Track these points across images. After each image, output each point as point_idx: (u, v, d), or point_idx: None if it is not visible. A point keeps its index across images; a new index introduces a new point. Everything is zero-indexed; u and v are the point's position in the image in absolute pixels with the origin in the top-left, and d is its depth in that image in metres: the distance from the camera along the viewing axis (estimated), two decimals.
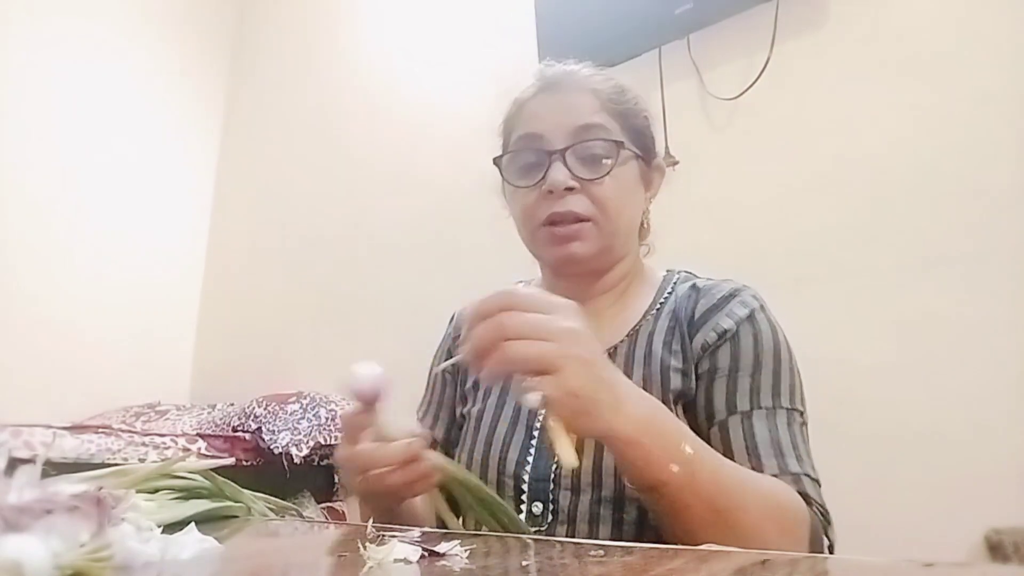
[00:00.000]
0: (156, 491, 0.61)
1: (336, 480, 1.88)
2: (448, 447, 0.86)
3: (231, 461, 1.56)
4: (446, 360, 0.88)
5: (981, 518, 1.11)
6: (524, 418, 0.77)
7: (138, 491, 0.51)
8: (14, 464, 0.37)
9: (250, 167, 2.64)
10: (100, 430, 1.60)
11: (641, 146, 0.79)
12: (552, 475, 0.72)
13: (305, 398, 1.85)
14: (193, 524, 0.45)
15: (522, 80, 0.82)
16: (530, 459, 0.74)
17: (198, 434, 1.75)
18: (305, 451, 1.72)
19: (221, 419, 1.87)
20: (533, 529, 0.70)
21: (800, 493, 0.62)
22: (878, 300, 1.29)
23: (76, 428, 1.59)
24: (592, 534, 0.68)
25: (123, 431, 1.64)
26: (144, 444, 1.62)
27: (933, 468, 1.19)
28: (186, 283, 2.57)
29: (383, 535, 0.47)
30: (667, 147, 1.48)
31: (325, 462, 1.82)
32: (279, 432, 1.73)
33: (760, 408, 0.69)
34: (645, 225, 0.85)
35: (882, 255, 1.30)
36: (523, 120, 0.79)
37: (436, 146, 2.06)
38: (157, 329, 2.45)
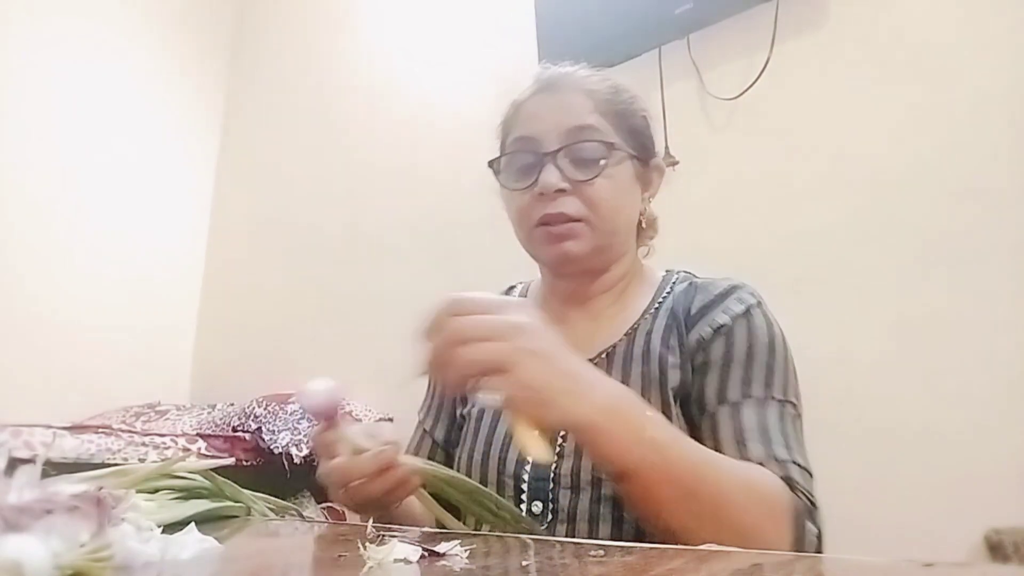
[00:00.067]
0: (156, 491, 0.61)
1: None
2: (449, 448, 0.87)
3: (231, 461, 1.55)
4: None
5: (981, 518, 1.11)
6: None
7: (138, 491, 0.51)
8: (14, 464, 0.37)
9: (250, 167, 2.64)
10: (100, 430, 1.60)
11: (637, 146, 0.79)
12: (552, 474, 0.72)
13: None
14: (193, 524, 0.45)
15: (522, 80, 0.83)
16: (529, 459, 0.74)
17: (198, 434, 1.75)
18: (305, 451, 1.72)
19: (221, 419, 1.87)
20: (525, 514, 0.70)
21: (785, 479, 0.61)
22: (878, 300, 1.29)
23: (76, 428, 1.59)
24: (592, 533, 0.69)
25: (123, 431, 1.64)
26: (144, 444, 1.62)
27: (933, 468, 1.19)
28: (186, 283, 2.57)
29: (383, 535, 0.47)
30: (667, 147, 1.48)
31: None
32: (279, 432, 1.73)
33: (750, 398, 0.68)
34: (644, 225, 0.85)
35: (882, 255, 1.30)
36: (519, 122, 0.80)
37: (436, 146, 2.06)
38: (157, 329, 2.45)
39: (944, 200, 1.26)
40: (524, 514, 0.70)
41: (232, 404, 1.96)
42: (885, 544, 1.19)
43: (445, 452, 0.87)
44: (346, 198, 2.28)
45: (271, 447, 1.71)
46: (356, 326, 2.13)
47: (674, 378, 0.73)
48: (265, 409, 1.80)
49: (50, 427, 1.53)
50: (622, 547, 0.44)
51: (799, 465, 0.64)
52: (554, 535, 0.69)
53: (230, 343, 2.48)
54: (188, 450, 1.64)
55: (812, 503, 0.63)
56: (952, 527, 1.14)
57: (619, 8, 1.61)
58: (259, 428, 1.75)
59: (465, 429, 0.84)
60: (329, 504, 1.86)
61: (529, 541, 0.51)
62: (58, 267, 2.20)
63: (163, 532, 0.42)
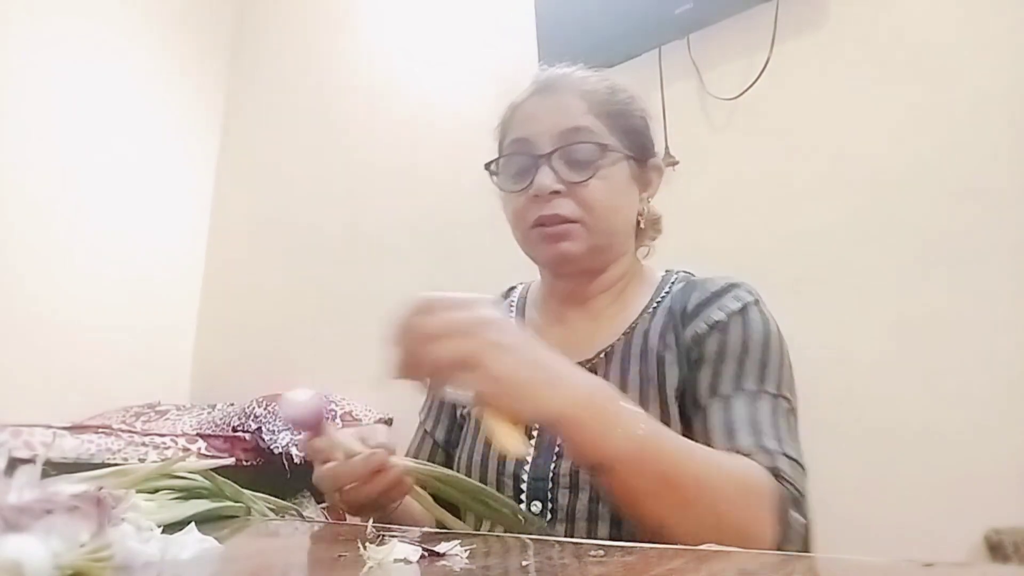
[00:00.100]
0: (156, 491, 0.61)
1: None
2: (449, 448, 0.87)
3: (231, 461, 1.55)
4: None
5: (981, 518, 1.11)
6: None
7: (138, 491, 0.51)
8: (14, 464, 0.37)
9: (250, 167, 2.64)
10: (100, 430, 1.60)
11: (634, 146, 0.79)
12: (551, 474, 0.72)
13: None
14: (193, 524, 0.45)
15: (522, 80, 0.83)
16: (528, 458, 0.74)
17: (198, 434, 1.74)
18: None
19: (221, 419, 1.87)
20: (524, 510, 0.70)
21: (772, 469, 0.60)
22: (878, 300, 1.29)
23: (76, 428, 1.59)
24: (591, 532, 0.69)
25: (123, 431, 1.64)
26: (144, 444, 1.62)
27: (933, 467, 1.19)
28: (186, 283, 2.57)
29: (383, 535, 0.47)
30: (667, 147, 1.48)
31: None
32: (279, 432, 1.73)
33: (743, 391, 0.68)
34: (643, 225, 0.85)
35: (882, 255, 1.30)
36: (515, 124, 0.81)
37: (436, 146, 2.06)
38: (157, 329, 2.45)
39: (944, 200, 1.26)
40: None
41: (232, 404, 1.96)
42: (885, 544, 1.19)
43: (446, 453, 0.87)
44: (346, 198, 2.28)
45: (271, 447, 1.71)
46: (356, 326, 2.12)
47: (672, 376, 0.73)
48: (265, 409, 1.80)
49: (50, 427, 1.53)
50: (622, 547, 0.44)
51: (789, 457, 0.63)
52: (553, 534, 0.69)
53: (230, 343, 2.48)
54: (188, 450, 1.64)
55: (800, 493, 0.61)
56: (952, 527, 1.14)
57: (619, 8, 1.61)
58: (259, 428, 1.75)
59: (465, 429, 0.84)
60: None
61: (529, 541, 0.51)
62: (58, 267, 2.20)
63: (163, 532, 0.42)
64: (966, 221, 1.23)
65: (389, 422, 1.86)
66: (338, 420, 1.82)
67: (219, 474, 0.68)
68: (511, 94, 0.83)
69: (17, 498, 0.35)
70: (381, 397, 1.84)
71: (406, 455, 0.87)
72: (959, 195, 1.25)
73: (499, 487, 0.74)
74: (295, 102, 2.53)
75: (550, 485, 0.72)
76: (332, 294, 2.22)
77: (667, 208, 0.88)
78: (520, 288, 0.93)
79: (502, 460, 0.76)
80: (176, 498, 0.62)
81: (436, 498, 0.70)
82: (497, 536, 0.60)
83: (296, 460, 1.71)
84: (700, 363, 0.72)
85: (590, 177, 0.75)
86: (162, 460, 1.08)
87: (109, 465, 0.65)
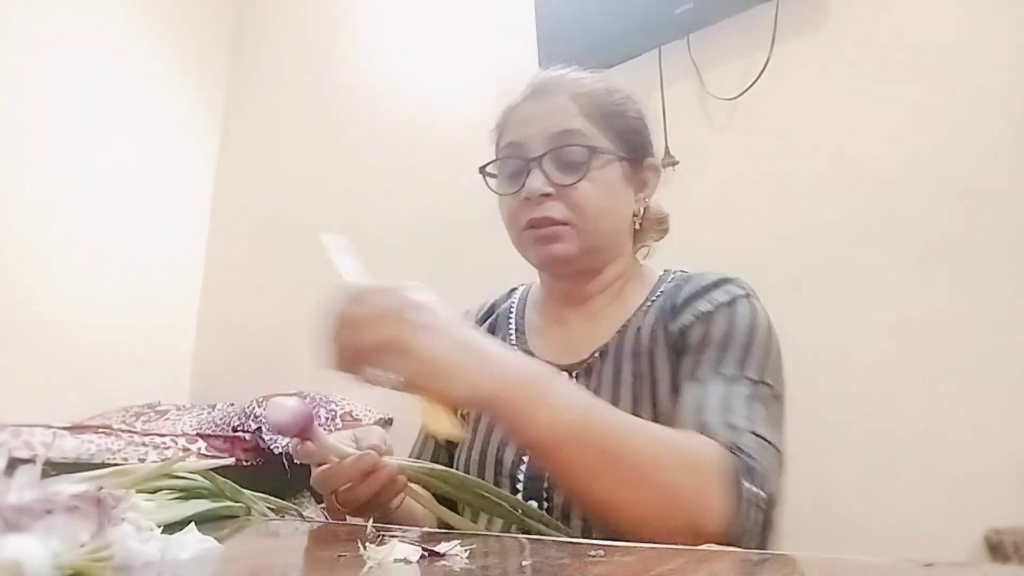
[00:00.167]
0: (156, 491, 0.61)
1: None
2: (451, 448, 0.87)
3: (231, 461, 1.55)
4: None
5: (981, 518, 1.11)
6: None
7: (138, 491, 0.51)
8: (14, 464, 0.37)
9: (250, 167, 2.64)
10: (100, 430, 1.60)
11: (628, 147, 0.79)
12: (547, 472, 0.72)
13: (305, 398, 1.85)
14: (193, 524, 0.45)
15: (522, 80, 0.83)
16: (525, 458, 0.74)
17: (198, 434, 1.74)
18: None
19: (221, 419, 1.87)
20: (521, 501, 0.70)
21: (731, 444, 0.59)
22: (878, 300, 1.29)
23: (76, 428, 1.59)
24: (587, 531, 0.69)
25: (123, 431, 1.64)
26: (144, 444, 1.62)
27: (933, 467, 1.19)
28: (186, 283, 2.57)
29: (383, 535, 0.47)
30: (667, 147, 1.48)
31: None
32: (279, 434, 1.73)
33: (721, 375, 0.67)
34: (641, 225, 0.85)
35: (882, 255, 1.30)
36: (509, 127, 0.81)
37: (436, 146, 2.06)
38: (157, 329, 2.44)
39: (944, 200, 1.26)
40: (520, 513, 0.70)
41: (232, 404, 1.96)
42: (885, 544, 1.19)
43: (448, 453, 0.87)
44: (346, 198, 2.27)
45: (271, 447, 1.71)
46: None
47: (663, 372, 0.72)
48: (265, 409, 1.80)
49: (50, 427, 1.53)
50: (622, 547, 0.44)
51: (759, 436, 0.61)
52: (551, 527, 0.69)
53: (230, 343, 2.48)
54: (188, 450, 1.64)
55: (759, 466, 0.59)
56: (952, 527, 1.14)
57: (619, 8, 1.61)
58: (259, 428, 1.75)
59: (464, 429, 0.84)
60: None
61: (528, 541, 0.51)
62: (58, 267, 2.20)
63: (163, 532, 0.42)
64: (966, 221, 1.23)
65: (389, 422, 1.86)
66: (338, 420, 1.82)
67: (219, 474, 0.68)
68: (511, 94, 0.83)
69: (17, 498, 0.35)
70: (381, 397, 1.84)
71: (409, 456, 0.87)
72: (959, 195, 1.25)
73: (496, 486, 0.75)
74: (295, 102, 2.52)
75: (546, 484, 0.72)
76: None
77: (667, 208, 0.88)
78: (521, 289, 0.94)
79: (499, 460, 0.76)
80: (176, 498, 0.62)
81: (437, 498, 0.70)
82: (497, 536, 0.61)
83: (296, 460, 1.71)
84: (684, 353, 0.71)
85: (580, 179, 0.75)
86: (162, 460, 1.08)
87: (109, 465, 0.65)
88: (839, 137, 1.39)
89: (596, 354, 0.77)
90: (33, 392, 2.03)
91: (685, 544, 0.49)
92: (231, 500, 0.68)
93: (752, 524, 0.56)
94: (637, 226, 0.84)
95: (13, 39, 2.17)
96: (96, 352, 2.23)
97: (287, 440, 1.71)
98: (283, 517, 0.74)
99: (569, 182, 0.75)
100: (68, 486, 0.38)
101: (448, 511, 0.71)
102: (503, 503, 0.68)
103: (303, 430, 0.63)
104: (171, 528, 0.44)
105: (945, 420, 1.20)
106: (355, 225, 2.21)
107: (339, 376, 0.53)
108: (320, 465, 0.65)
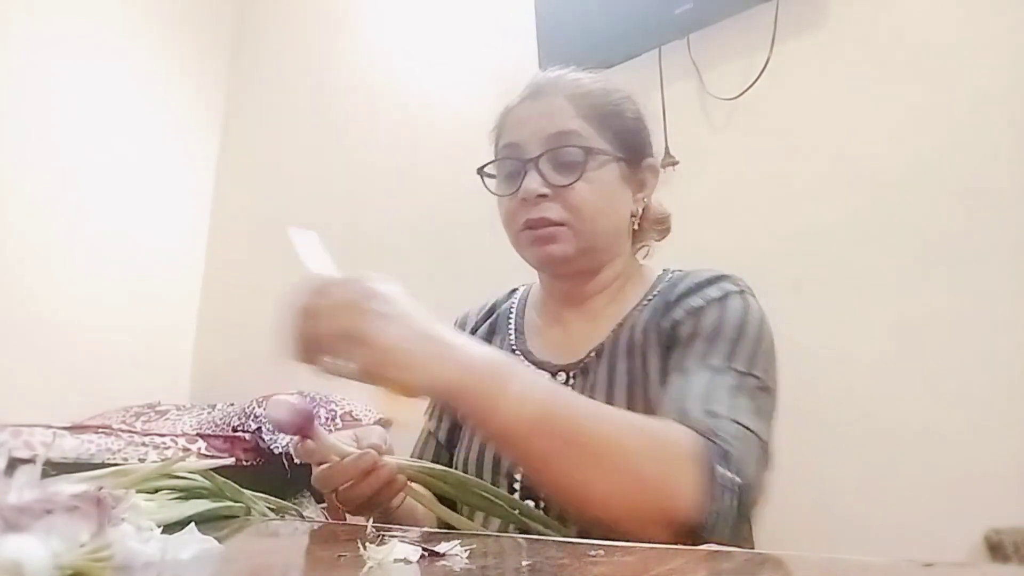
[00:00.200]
0: (156, 491, 0.61)
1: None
2: (451, 448, 0.87)
3: (231, 461, 1.55)
4: None
5: (981, 518, 1.11)
6: None
7: (138, 491, 0.51)
8: (14, 464, 0.37)
9: (250, 167, 2.64)
10: (100, 430, 1.60)
11: (626, 148, 0.80)
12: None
13: (306, 397, 1.85)
14: (193, 524, 0.45)
15: (522, 80, 0.84)
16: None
17: (198, 434, 1.74)
18: None
19: (221, 419, 1.87)
20: (518, 500, 0.71)
21: (707, 431, 0.58)
22: (878, 300, 1.29)
23: (76, 428, 1.59)
24: (584, 531, 0.69)
25: (123, 431, 1.64)
26: (144, 444, 1.62)
27: (933, 467, 1.19)
28: (186, 283, 2.57)
29: (383, 535, 0.47)
30: (667, 147, 1.48)
31: None
32: (279, 432, 1.73)
33: (707, 367, 0.66)
34: (640, 225, 0.85)
35: (882, 255, 1.30)
36: (506, 129, 0.82)
37: (436, 146, 2.06)
38: (157, 329, 2.44)
39: (944, 200, 1.26)
40: (517, 512, 0.71)
41: (232, 404, 1.96)
42: (885, 544, 1.19)
43: (449, 453, 0.87)
44: (346, 198, 2.27)
45: (271, 447, 1.71)
46: None
47: (654, 370, 0.72)
48: (266, 407, 1.80)
49: (50, 427, 1.53)
50: (622, 547, 0.44)
51: (740, 424, 0.60)
52: (549, 526, 0.69)
53: (230, 343, 2.48)
54: (188, 450, 1.64)
55: (734, 451, 0.58)
56: (952, 527, 1.14)
57: (619, 8, 1.61)
58: (259, 428, 1.75)
59: (464, 429, 0.84)
60: None
61: (528, 541, 0.51)
62: (58, 267, 2.20)
63: (163, 532, 0.42)
64: (966, 221, 1.23)
65: (389, 422, 1.86)
66: (338, 420, 1.82)
67: (219, 474, 0.68)
68: (511, 94, 0.84)
69: (17, 498, 0.35)
70: (381, 397, 1.84)
71: (411, 456, 0.87)
72: (959, 195, 1.25)
73: (494, 485, 0.75)
74: (295, 102, 2.52)
75: None
76: None
77: (668, 208, 0.88)
78: (522, 290, 0.94)
79: (496, 460, 0.77)
80: (176, 498, 0.62)
81: (438, 497, 0.70)
82: (497, 536, 0.61)
83: (296, 460, 1.71)
84: (673, 346, 0.71)
85: (576, 180, 0.75)
86: (162, 460, 1.08)
87: (109, 465, 0.65)
88: (839, 137, 1.39)
89: (592, 354, 0.77)
90: (33, 392, 2.03)
91: (659, 531, 0.49)
92: (231, 500, 0.68)
93: (726, 509, 0.55)
94: (636, 226, 0.84)
95: (13, 39, 2.17)
96: (96, 352, 2.23)
97: (287, 440, 1.71)
98: (283, 517, 0.74)
99: (565, 183, 0.75)
100: (68, 486, 0.38)
101: (448, 511, 0.71)
102: (501, 503, 0.68)
103: (304, 428, 0.63)
104: (171, 528, 0.44)
105: (945, 420, 1.20)
106: (355, 225, 2.22)
107: (299, 366, 0.53)
108: (321, 464, 0.65)
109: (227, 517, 0.66)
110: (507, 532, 0.69)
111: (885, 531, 1.19)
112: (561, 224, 0.76)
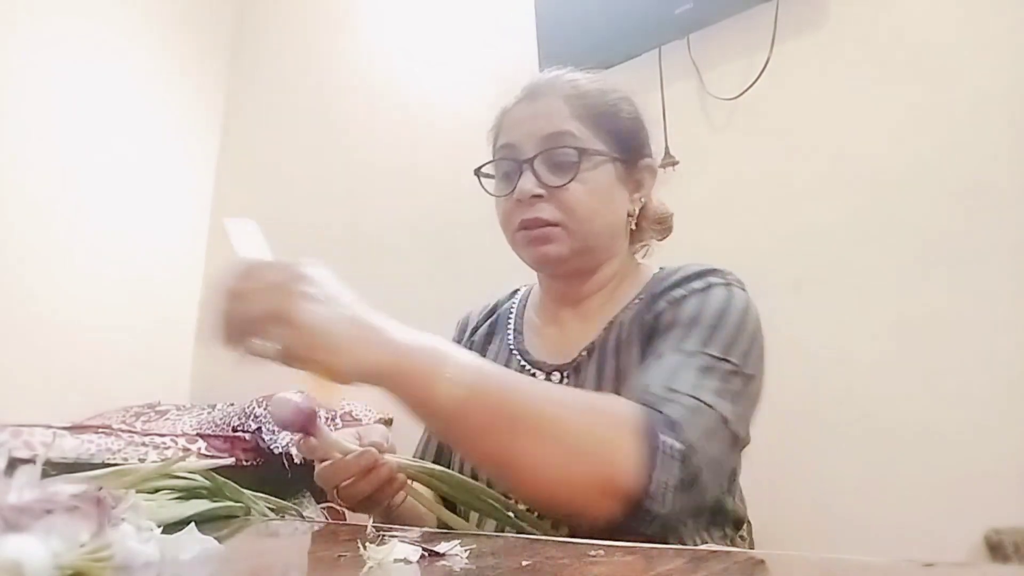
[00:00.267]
0: (156, 491, 0.61)
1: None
2: (452, 449, 0.87)
3: (231, 461, 1.55)
4: None
5: (981, 518, 1.11)
6: None
7: (138, 491, 0.52)
8: (14, 464, 0.37)
9: (250, 167, 2.64)
10: (100, 430, 1.60)
11: (622, 148, 0.80)
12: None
13: (308, 396, 1.84)
14: (193, 524, 0.45)
15: (522, 80, 0.84)
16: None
17: (198, 434, 1.74)
18: None
19: (221, 419, 1.87)
20: (513, 504, 0.71)
21: (654, 401, 0.58)
22: (878, 300, 1.29)
23: (76, 428, 1.59)
24: (573, 533, 0.69)
25: (123, 431, 1.64)
26: (144, 444, 1.62)
27: (933, 467, 1.19)
28: (186, 283, 2.57)
29: (383, 535, 0.47)
30: (667, 147, 1.48)
31: None
32: (279, 432, 1.73)
33: (680, 351, 0.65)
34: (638, 225, 0.85)
35: (882, 255, 1.30)
36: (503, 130, 0.82)
37: (436, 146, 2.06)
38: (157, 329, 2.44)
39: (944, 200, 1.26)
40: (515, 513, 0.71)
41: (232, 404, 1.96)
42: (885, 544, 1.19)
43: (449, 453, 0.87)
44: (346, 198, 2.27)
45: (271, 447, 1.71)
46: None
47: (637, 362, 0.72)
48: (265, 409, 1.80)
49: (50, 427, 1.53)
50: (622, 547, 0.44)
51: (698, 399, 0.59)
52: (541, 529, 0.69)
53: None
54: (188, 450, 1.64)
55: (681, 422, 0.57)
56: (952, 527, 1.14)
57: (619, 8, 1.61)
58: (259, 428, 1.75)
59: None
60: (329, 504, 1.85)
61: (527, 541, 0.51)
62: (58, 267, 2.20)
63: (163, 532, 0.42)
64: (966, 221, 1.23)
65: (389, 422, 1.86)
66: (338, 420, 1.82)
67: (219, 474, 0.68)
68: (511, 94, 0.84)
69: (17, 498, 0.35)
70: (381, 396, 1.84)
71: (413, 455, 0.87)
72: (959, 195, 1.25)
73: (492, 485, 0.75)
74: (295, 102, 2.52)
75: None
76: None
77: (669, 208, 0.88)
78: (523, 290, 0.95)
79: None
80: (176, 498, 0.62)
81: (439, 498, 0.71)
82: (497, 536, 0.61)
83: (296, 460, 1.71)
84: (653, 335, 0.71)
85: (570, 181, 0.75)
86: (162, 460, 1.08)
87: (109, 465, 0.65)
88: (839, 137, 1.39)
89: (584, 353, 0.78)
90: (33, 392, 2.03)
91: (602, 503, 0.50)
92: (231, 500, 0.68)
93: (671, 476, 0.54)
94: (633, 226, 0.84)
95: (13, 39, 2.17)
96: (96, 352, 2.23)
97: (287, 440, 1.71)
98: (283, 517, 0.74)
99: (560, 183, 0.76)
100: (68, 486, 0.38)
101: (448, 511, 0.71)
102: (499, 506, 0.68)
103: (306, 426, 0.63)
104: (171, 528, 0.44)
105: (945, 420, 1.20)
106: (355, 225, 2.22)
107: (225, 349, 0.53)
108: (323, 461, 0.66)
109: (227, 517, 0.66)
110: (502, 533, 0.69)
111: (885, 531, 1.19)
112: (555, 224, 0.76)
